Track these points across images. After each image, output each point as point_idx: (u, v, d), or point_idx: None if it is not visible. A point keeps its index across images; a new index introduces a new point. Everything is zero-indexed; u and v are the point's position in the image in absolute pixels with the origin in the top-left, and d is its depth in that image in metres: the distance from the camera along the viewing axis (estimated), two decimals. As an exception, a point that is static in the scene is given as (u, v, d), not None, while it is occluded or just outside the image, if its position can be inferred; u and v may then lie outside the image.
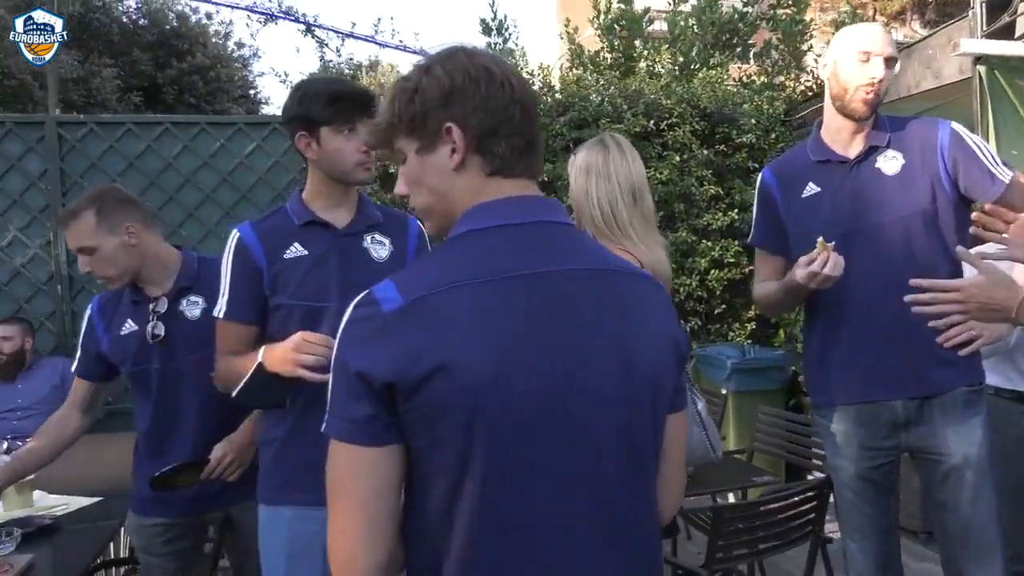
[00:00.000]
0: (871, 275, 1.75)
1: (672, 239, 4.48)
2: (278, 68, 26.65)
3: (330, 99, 1.57)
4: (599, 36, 6.37)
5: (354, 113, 1.58)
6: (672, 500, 1.06)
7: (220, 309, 1.62)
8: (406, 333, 0.83)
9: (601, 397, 0.88)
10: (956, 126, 1.80)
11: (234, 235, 1.63)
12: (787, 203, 1.91)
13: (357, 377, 0.83)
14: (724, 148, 4.65)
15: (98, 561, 2.21)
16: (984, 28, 3.56)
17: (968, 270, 1.57)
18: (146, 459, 1.96)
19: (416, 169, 0.95)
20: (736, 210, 4.61)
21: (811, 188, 1.87)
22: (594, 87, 4.87)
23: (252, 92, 13.54)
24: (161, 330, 1.92)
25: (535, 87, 4.95)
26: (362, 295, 0.88)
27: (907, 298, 1.48)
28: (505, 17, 6.62)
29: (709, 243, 4.56)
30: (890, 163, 1.80)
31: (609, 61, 6.16)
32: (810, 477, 3.78)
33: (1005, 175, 1.73)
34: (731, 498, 3.36)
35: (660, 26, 6.65)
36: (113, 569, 2.66)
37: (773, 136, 4.74)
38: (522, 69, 5.50)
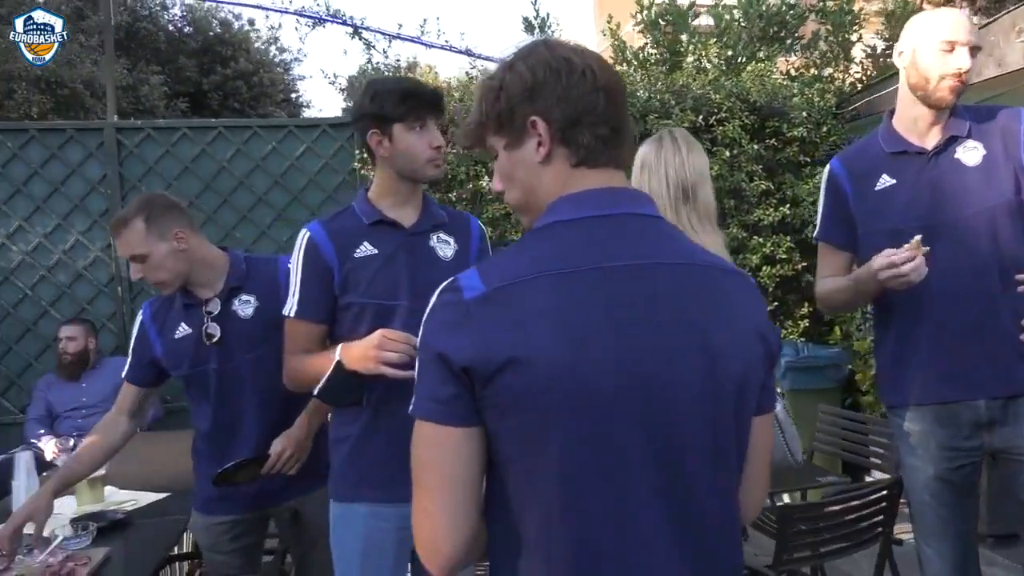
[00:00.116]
0: (953, 271, 1.69)
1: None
2: (327, 70, 26.92)
3: (402, 96, 1.59)
4: (643, 32, 6.30)
5: (425, 110, 1.61)
6: (755, 503, 1.04)
7: (291, 308, 1.63)
8: (485, 321, 0.84)
9: (684, 392, 0.86)
10: None
11: (304, 234, 1.64)
12: (859, 196, 1.86)
13: (440, 359, 0.84)
14: (774, 143, 4.56)
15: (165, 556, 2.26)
16: (1051, 13, 3.43)
17: None
18: (208, 459, 1.98)
19: (507, 165, 0.97)
20: (787, 205, 4.51)
21: (885, 180, 1.81)
22: (640, 83, 4.82)
23: (294, 95, 13.77)
24: (216, 331, 1.94)
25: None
26: (447, 282, 0.90)
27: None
28: (548, 15, 6.59)
29: (760, 239, 4.47)
30: (971, 154, 1.73)
31: (655, 57, 6.09)
32: (868, 478, 3.69)
33: None
34: (786, 498, 3.29)
35: (705, 20, 6.54)
36: (178, 564, 2.73)
37: (825, 129, 4.62)
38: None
